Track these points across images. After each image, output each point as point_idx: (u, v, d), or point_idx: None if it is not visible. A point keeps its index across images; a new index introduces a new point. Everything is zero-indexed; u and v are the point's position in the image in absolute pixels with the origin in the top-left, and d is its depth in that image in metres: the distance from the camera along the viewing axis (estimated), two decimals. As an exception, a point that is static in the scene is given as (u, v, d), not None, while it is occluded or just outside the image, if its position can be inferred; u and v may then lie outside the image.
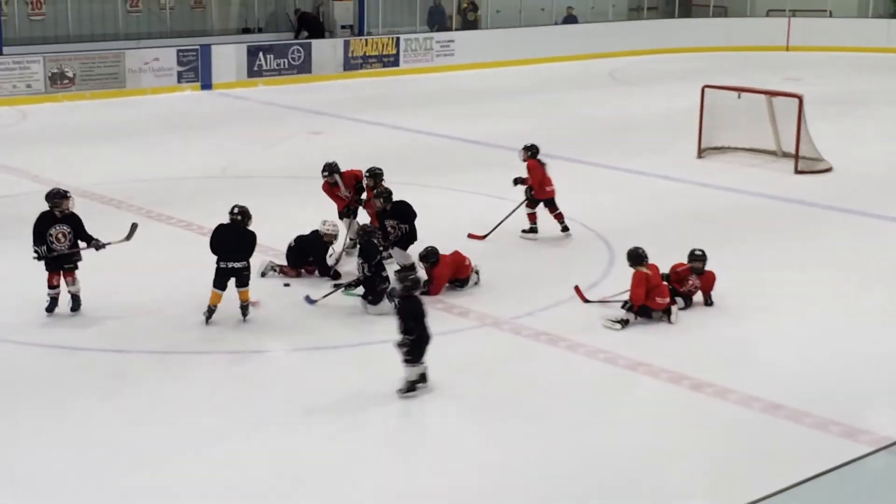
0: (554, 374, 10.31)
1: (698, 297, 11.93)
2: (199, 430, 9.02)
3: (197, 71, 26.21)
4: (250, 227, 11.21)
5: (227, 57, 26.81)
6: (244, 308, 11.26)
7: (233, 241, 11.12)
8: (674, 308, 11.52)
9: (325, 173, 13.57)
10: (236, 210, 11.21)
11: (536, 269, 13.22)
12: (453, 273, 12.29)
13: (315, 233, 12.67)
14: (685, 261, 11.92)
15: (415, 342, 9.63)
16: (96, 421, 9.17)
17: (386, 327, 11.16)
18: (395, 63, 29.68)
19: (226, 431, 8.99)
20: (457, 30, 31.81)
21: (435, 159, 19.04)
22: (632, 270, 11.44)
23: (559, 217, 14.31)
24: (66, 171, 16.76)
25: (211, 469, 8.40)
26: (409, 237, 12.87)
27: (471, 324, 11.43)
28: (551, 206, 14.30)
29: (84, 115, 22.69)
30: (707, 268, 11.90)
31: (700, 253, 11.92)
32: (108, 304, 11.59)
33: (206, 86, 26.32)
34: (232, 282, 11.09)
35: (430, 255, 12.12)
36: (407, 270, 11.63)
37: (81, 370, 10.24)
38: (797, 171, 18.00)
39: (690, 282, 11.83)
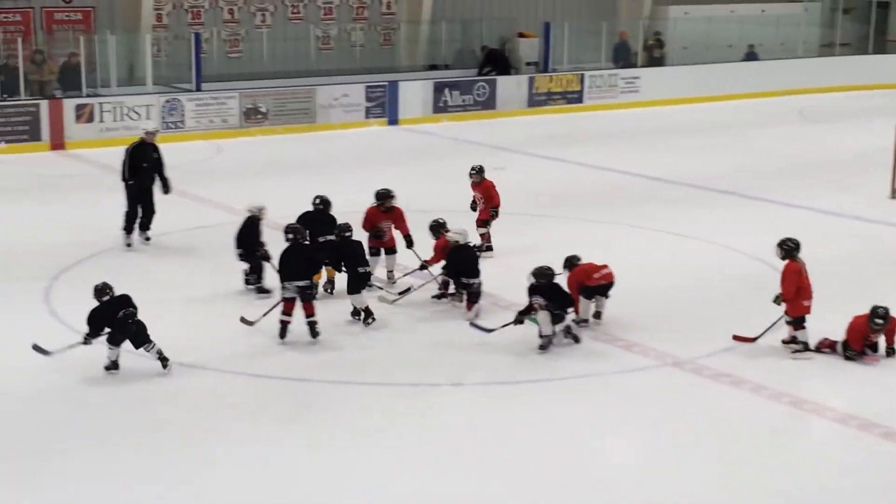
0: (736, 415, 10.12)
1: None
2: (374, 462, 9.15)
3: (384, 106, 26.76)
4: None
5: (414, 93, 27.28)
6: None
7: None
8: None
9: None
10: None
11: (718, 308, 13.01)
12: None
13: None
14: (868, 310, 11.24)
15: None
16: (280, 447, 9.41)
17: (564, 363, 11.21)
18: (580, 99, 29.69)
19: (400, 466, 9.11)
20: (642, 66, 31.64)
21: (617, 196, 18.94)
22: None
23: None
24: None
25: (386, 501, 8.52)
26: None
27: (651, 362, 11.32)
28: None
29: (275, 149, 23.39)
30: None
31: (883, 312, 11.15)
32: (295, 336, 11.91)
33: (393, 121, 26.83)
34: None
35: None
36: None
37: (266, 397, 10.54)
38: None
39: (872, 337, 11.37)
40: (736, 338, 11.63)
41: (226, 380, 10.87)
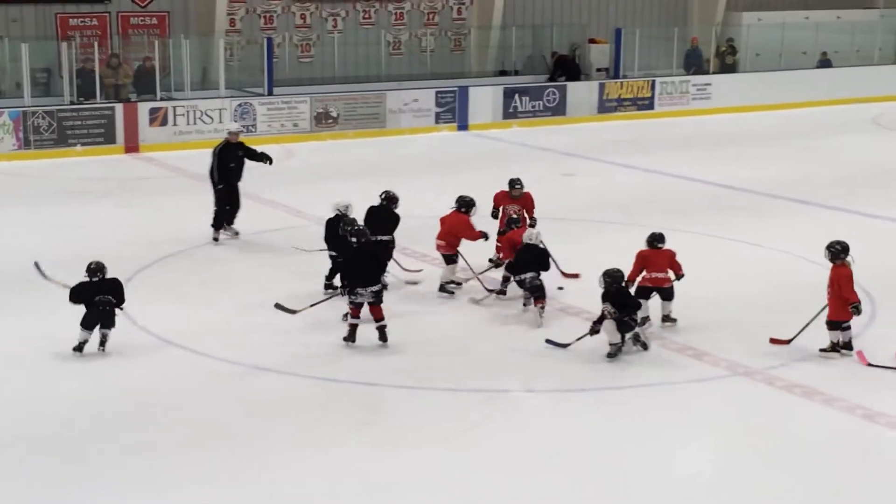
0: (808, 428, 10.00)
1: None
2: (444, 468, 9.15)
3: (454, 112, 26.80)
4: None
5: (484, 98, 27.29)
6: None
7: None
8: None
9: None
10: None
11: (791, 318, 12.83)
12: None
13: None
14: None
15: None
16: (349, 451, 9.45)
17: (634, 371, 11.15)
18: (650, 106, 29.51)
19: (468, 471, 9.10)
20: (714, 73, 31.38)
21: (688, 204, 18.79)
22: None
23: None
24: (328, 207, 17.41)
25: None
26: None
27: (722, 372, 11.22)
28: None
29: (345, 154, 23.53)
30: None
31: None
32: (362, 339, 11.97)
33: (463, 126, 26.86)
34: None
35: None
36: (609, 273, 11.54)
37: (336, 400, 10.59)
38: None
39: None
40: (860, 354, 11.45)
41: (295, 383, 10.94)
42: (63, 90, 23.92)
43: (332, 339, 11.92)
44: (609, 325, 11.37)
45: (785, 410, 10.40)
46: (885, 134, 27.57)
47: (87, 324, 11.34)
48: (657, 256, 12.28)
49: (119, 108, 23.43)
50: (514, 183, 14.53)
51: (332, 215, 13.35)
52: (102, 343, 11.45)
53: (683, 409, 10.39)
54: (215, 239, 16.06)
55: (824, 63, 33.00)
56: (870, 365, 11.30)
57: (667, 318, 12.34)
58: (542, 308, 12.49)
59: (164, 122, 23.70)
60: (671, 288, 12.26)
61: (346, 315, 11.95)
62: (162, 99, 24.34)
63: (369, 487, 8.78)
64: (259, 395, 10.62)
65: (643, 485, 8.91)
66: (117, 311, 11.54)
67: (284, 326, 12.36)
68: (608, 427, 9.93)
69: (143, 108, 23.64)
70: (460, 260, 13.62)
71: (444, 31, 29.93)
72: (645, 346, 11.63)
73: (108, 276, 11.55)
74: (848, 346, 11.49)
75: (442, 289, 13.52)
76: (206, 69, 26.17)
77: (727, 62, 31.82)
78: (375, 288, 11.70)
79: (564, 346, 11.72)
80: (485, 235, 13.63)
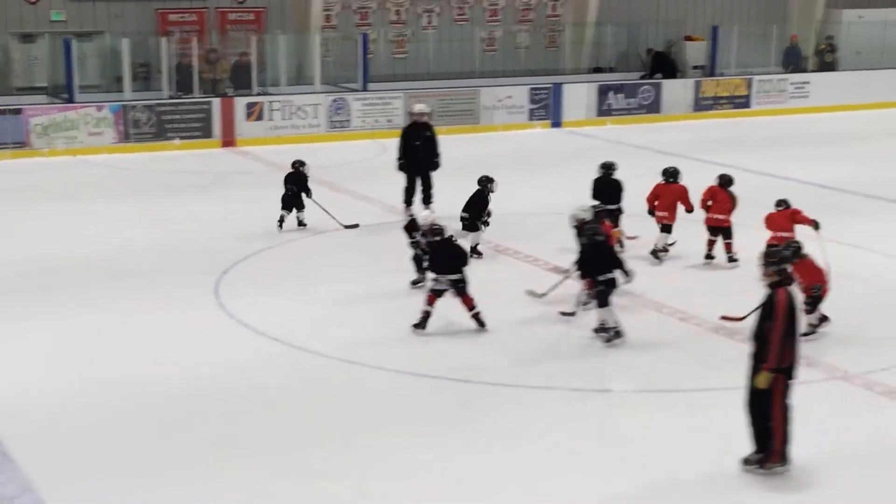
0: (908, 435, 9.80)
1: None
2: (534, 467, 9.11)
3: (548, 109, 26.71)
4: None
5: (578, 95, 27.17)
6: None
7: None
8: None
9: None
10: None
11: (891, 321, 12.61)
12: None
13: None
14: None
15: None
16: (444, 448, 9.46)
17: (722, 373, 10.98)
18: (747, 104, 29.14)
19: (557, 471, 9.05)
20: (813, 71, 30.88)
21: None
22: None
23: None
24: (419, 202, 17.49)
25: (549, 504, 8.49)
26: None
27: (819, 376, 11.01)
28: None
29: (441, 150, 23.51)
30: None
31: None
32: (452, 335, 11.99)
33: (556, 123, 26.76)
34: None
35: None
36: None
37: (428, 396, 10.62)
38: None
39: None
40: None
41: (387, 378, 10.98)
42: (162, 85, 24.33)
43: (427, 334, 11.94)
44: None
45: (884, 415, 10.18)
46: None
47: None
48: (664, 190, 14.81)
49: (216, 103, 23.75)
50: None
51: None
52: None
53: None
54: (410, 216, 16.37)
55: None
56: None
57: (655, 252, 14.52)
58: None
59: (259, 117, 23.97)
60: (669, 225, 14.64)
61: None
62: (258, 94, 24.64)
63: (461, 485, 8.77)
64: (352, 390, 10.67)
65: (726, 489, 8.79)
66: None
67: (378, 321, 12.43)
68: (697, 428, 9.80)
69: (240, 103, 23.94)
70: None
71: (539, 27, 29.85)
72: (614, 334, 11.69)
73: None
74: None
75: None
76: (302, 65, 26.42)
77: (826, 60, 31.31)
78: (455, 277, 11.83)
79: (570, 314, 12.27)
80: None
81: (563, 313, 12.37)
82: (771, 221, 13.85)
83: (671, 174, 14.98)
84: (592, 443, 9.54)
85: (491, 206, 14.84)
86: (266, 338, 11.92)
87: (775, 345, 8.58)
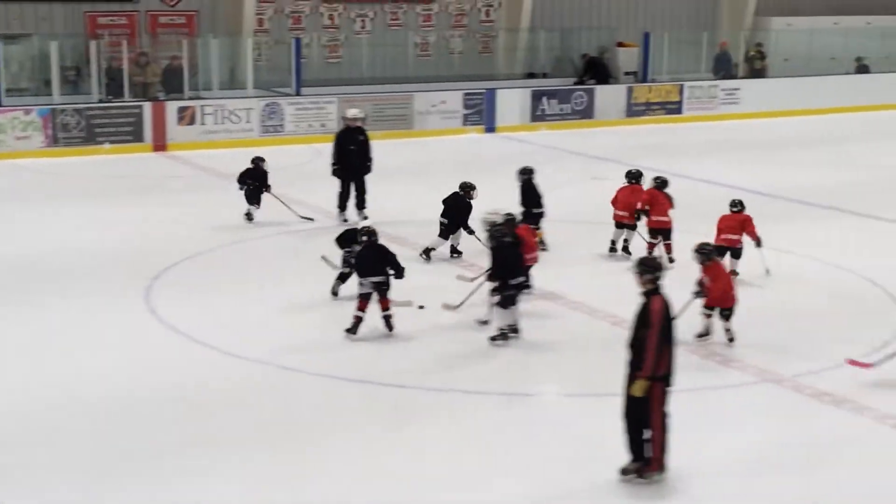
0: (836, 438, 9.90)
1: None
2: (470, 470, 9.11)
3: (482, 114, 26.76)
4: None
5: (512, 101, 27.24)
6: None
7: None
8: None
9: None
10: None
11: (821, 326, 12.76)
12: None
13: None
14: None
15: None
16: (380, 453, 9.41)
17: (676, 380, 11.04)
18: (678, 110, 29.40)
19: (492, 474, 9.05)
20: (743, 77, 31.24)
21: (716, 209, 18.64)
22: None
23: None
24: (353, 207, 17.43)
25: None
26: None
27: (750, 378, 11.13)
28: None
29: (373, 154, 23.46)
30: None
31: None
32: (389, 340, 11.96)
33: (490, 129, 26.82)
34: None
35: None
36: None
37: (366, 402, 10.56)
38: None
39: None
40: (851, 362, 11.13)
41: (325, 384, 10.90)
42: (91, 88, 24.02)
43: (361, 340, 11.90)
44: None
45: (812, 418, 10.30)
46: (916, 141, 27.36)
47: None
48: (622, 193, 15.27)
49: (147, 107, 23.51)
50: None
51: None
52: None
53: (712, 414, 10.30)
54: (345, 220, 16.90)
55: (862, 69, 32.81)
56: (870, 366, 11.02)
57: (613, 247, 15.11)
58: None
59: (192, 122, 23.77)
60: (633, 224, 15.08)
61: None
62: (190, 98, 24.42)
63: (397, 491, 8.73)
64: (285, 397, 10.59)
65: (670, 491, 8.82)
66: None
67: (311, 326, 12.36)
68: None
69: (172, 107, 23.71)
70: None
71: (473, 32, 29.93)
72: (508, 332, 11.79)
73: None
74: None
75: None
76: (235, 69, 26.25)
77: (756, 67, 31.69)
78: (378, 279, 11.89)
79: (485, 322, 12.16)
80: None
81: (480, 321, 12.34)
82: (723, 222, 14.20)
83: (634, 176, 15.49)
84: (524, 446, 9.54)
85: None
86: (197, 343, 11.80)
87: (651, 353, 8.51)
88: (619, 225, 15.31)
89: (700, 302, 11.86)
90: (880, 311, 13.19)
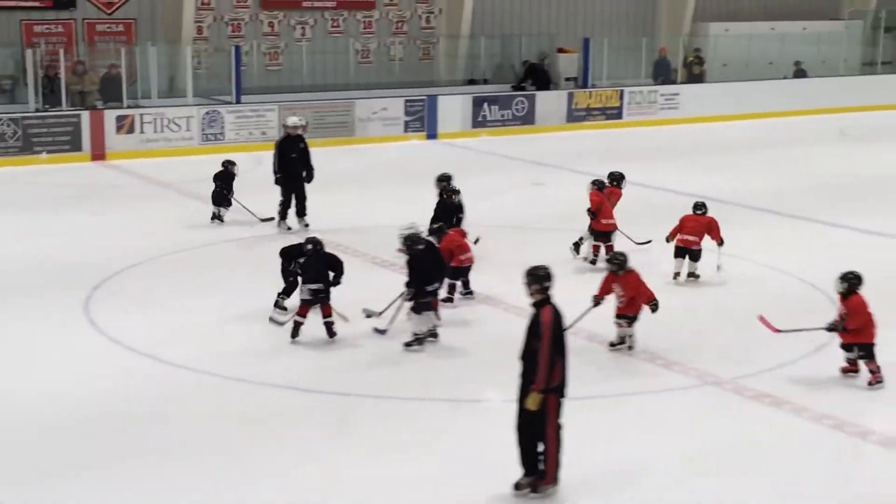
0: (775, 437, 9.99)
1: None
2: (413, 476, 9.08)
3: (423, 120, 26.78)
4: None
5: (453, 107, 27.29)
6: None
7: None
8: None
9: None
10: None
11: (762, 327, 12.86)
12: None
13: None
14: None
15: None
16: (323, 460, 9.37)
17: (603, 381, 11.10)
18: (619, 115, 29.60)
19: (436, 481, 9.03)
20: (682, 83, 31.52)
21: (656, 213, 18.79)
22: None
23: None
24: (293, 215, 17.35)
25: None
26: None
27: (692, 381, 11.21)
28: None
29: (315, 162, 23.37)
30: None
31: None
32: (331, 347, 11.92)
33: (432, 135, 26.84)
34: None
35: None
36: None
37: (308, 410, 10.51)
38: None
39: None
40: (762, 319, 11.48)
41: (268, 392, 10.84)
42: (28, 97, 23.74)
43: (301, 348, 11.85)
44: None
45: (753, 420, 10.39)
46: (852, 144, 27.74)
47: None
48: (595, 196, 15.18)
49: (85, 116, 23.27)
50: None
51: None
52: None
53: (653, 418, 10.37)
54: (288, 228, 16.90)
55: (799, 73, 33.22)
56: (777, 331, 11.30)
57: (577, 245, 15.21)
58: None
59: (130, 130, 23.55)
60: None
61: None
62: (129, 106, 24.21)
63: (344, 499, 8.69)
64: (227, 407, 10.51)
65: (606, 494, 8.87)
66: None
67: (253, 335, 12.28)
68: (576, 438, 9.86)
69: (110, 116, 23.49)
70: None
71: (413, 39, 29.92)
72: (424, 337, 11.89)
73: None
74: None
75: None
76: (174, 77, 26.06)
77: (695, 72, 31.98)
78: (315, 287, 11.93)
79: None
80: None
81: (376, 330, 12.26)
82: (685, 224, 14.35)
83: (616, 178, 15.84)
84: (470, 452, 9.53)
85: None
86: (138, 354, 11.69)
87: (543, 365, 8.35)
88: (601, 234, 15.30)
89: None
90: (818, 312, 13.31)
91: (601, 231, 15.00)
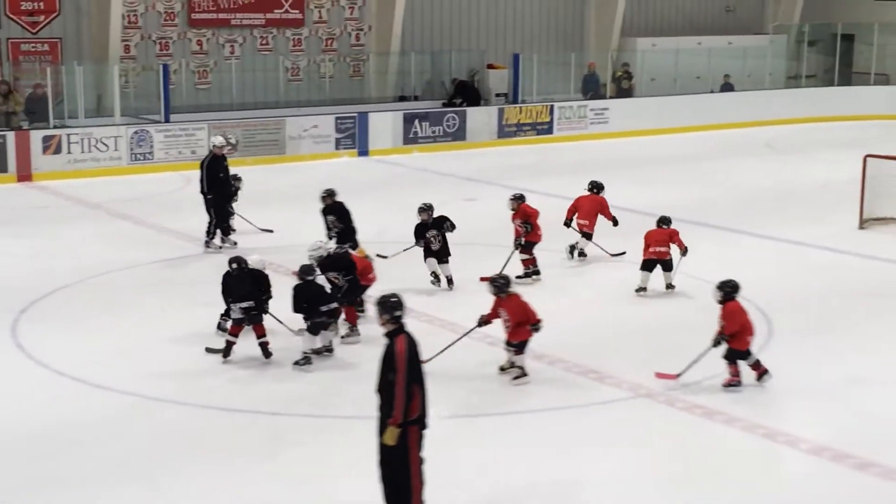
0: (710, 448, 10.10)
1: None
2: (352, 496, 9.05)
3: (354, 138, 26.74)
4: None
5: (384, 124, 27.28)
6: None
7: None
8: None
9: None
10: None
11: (692, 339, 12.96)
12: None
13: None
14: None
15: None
16: (253, 482, 9.29)
17: (536, 395, 11.14)
18: (549, 131, 29.78)
19: (373, 499, 8.99)
20: (611, 97, 31.78)
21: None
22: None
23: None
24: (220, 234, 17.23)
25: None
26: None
27: (624, 394, 11.29)
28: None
29: (245, 181, 23.24)
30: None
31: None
32: (262, 367, 11.84)
33: (363, 152, 26.81)
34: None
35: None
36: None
37: (239, 431, 10.42)
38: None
39: None
40: (659, 375, 11.48)
41: (197, 414, 10.74)
42: (-48, 118, 23.36)
43: (233, 368, 11.76)
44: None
45: (686, 431, 10.49)
46: (778, 157, 28.13)
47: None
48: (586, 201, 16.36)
49: (10, 136, 22.94)
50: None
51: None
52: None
53: (587, 432, 10.42)
54: (220, 247, 16.87)
55: (727, 87, 33.64)
56: (678, 376, 11.37)
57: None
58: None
59: (57, 150, 23.25)
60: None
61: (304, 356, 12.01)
62: (55, 127, 23.89)
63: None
64: (158, 428, 10.41)
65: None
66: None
67: (184, 356, 12.17)
68: (511, 452, 9.90)
69: (36, 136, 23.18)
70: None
71: (343, 57, 29.88)
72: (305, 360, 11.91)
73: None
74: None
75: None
76: (101, 96, 25.77)
77: (623, 87, 32.24)
78: (246, 305, 11.96)
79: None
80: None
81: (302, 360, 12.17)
82: (651, 237, 14.82)
83: (596, 186, 16.64)
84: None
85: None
86: (66, 377, 11.54)
87: (399, 398, 7.97)
88: (585, 235, 16.35)
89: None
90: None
91: (533, 242, 15.22)
